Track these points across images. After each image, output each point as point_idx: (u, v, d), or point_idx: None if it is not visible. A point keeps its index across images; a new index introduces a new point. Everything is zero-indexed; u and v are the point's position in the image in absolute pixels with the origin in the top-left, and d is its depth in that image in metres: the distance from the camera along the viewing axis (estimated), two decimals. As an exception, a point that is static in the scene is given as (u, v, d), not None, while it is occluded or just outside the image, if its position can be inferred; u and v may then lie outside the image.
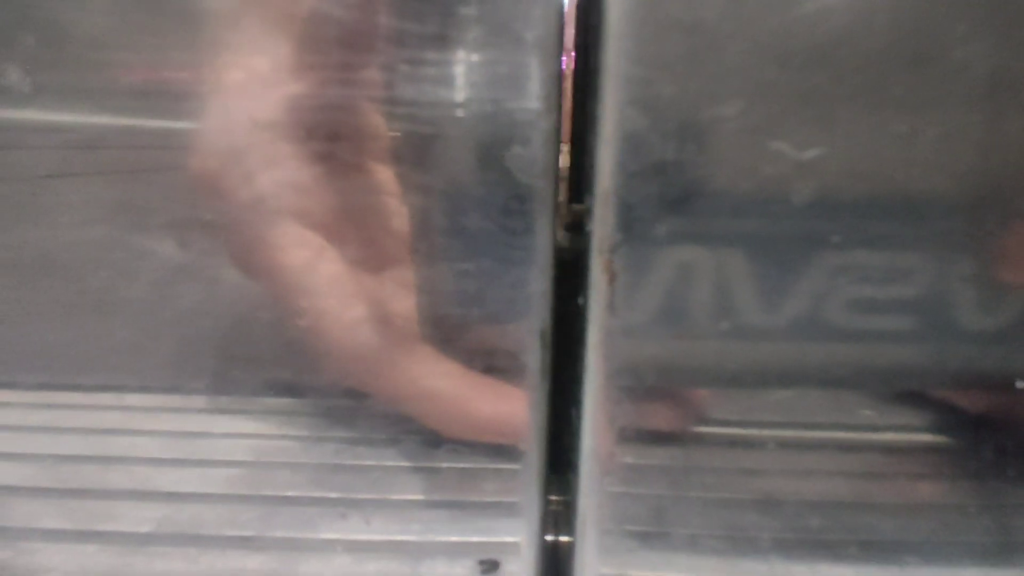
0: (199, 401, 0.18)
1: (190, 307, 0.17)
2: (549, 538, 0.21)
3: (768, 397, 0.17)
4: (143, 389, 0.18)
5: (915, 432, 0.17)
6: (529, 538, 0.18)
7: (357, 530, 0.19)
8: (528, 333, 0.16)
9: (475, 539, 0.18)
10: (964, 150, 0.15)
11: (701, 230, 0.15)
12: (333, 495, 0.19)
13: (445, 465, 0.18)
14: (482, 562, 0.18)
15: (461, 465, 0.18)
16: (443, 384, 0.17)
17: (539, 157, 0.15)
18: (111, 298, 0.17)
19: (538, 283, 0.16)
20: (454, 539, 0.18)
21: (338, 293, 0.17)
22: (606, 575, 0.18)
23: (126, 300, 0.17)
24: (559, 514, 0.21)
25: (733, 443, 0.17)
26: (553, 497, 0.23)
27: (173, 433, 0.19)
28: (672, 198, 0.15)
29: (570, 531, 0.18)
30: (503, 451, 0.17)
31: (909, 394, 0.17)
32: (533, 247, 0.16)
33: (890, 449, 0.17)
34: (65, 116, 0.16)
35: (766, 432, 0.17)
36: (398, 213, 0.16)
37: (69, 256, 0.17)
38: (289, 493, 0.19)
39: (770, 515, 0.17)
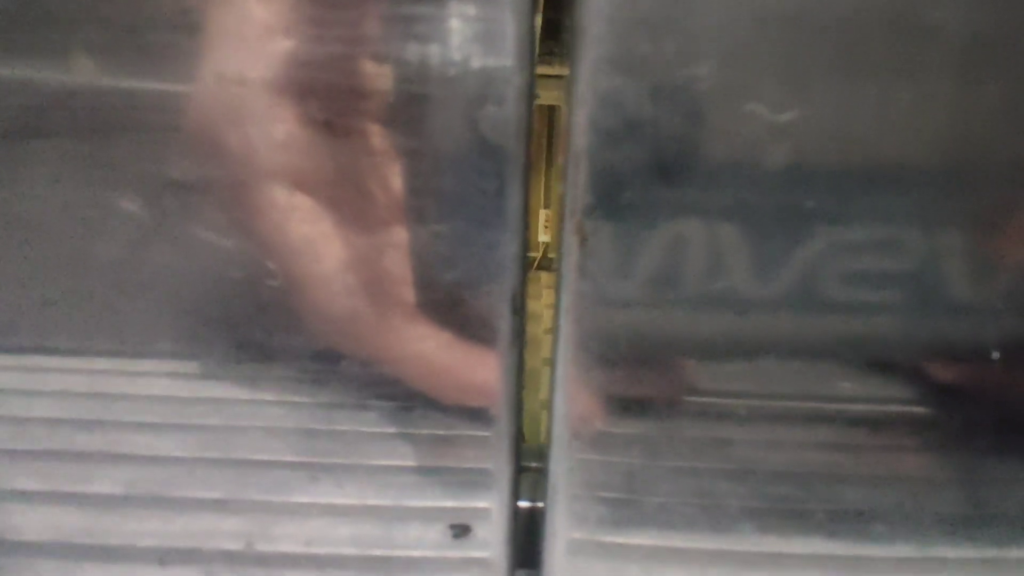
0: (173, 366, 0.18)
1: (163, 270, 0.17)
2: (526, 504, 0.21)
3: (743, 366, 0.17)
4: (117, 353, 0.18)
5: (888, 404, 0.17)
6: (500, 504, 0.18)
7: (330, 494, 0.19)
8: (499, 297, 0.16)
9: (447, 504, 0.18)
10: (941, 118, 0.15)
11: (676, 192, 0.15)
12: (306, 459, 0.18)
13: (418, 431, 0.18)
14: (453, 527, 0.18)
15: (433, 431, 0.18)
16: (428, 348, 0.17)
17: (512, 117, 0.15)
18: (85, 261, 0.17)
19: (510, 246, 0.16)
20: (426, 504, 0.18)
21: (325, 254, 0.16)
22: (577, 540, 0.18)
23: (100, 263, 0.17)
24: (538, 481, 0.21)
25: (706, 412, 0.17)
26: (533, 464, 0.23)
27: (147, 397, 0.18)
28: (646, 159, 0.15)
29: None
30: (475, 417, 0.17)
31: (883, 365, 0.17)
32: (505, 209, 0.16)
33: (863, 420, 0.17)
34: (38, 73, 0.16)
35: (740, 401, 0.17)
36: (377, 174, 0.16)
37: (44, 218, 0.17)
38: (263, 457, 0.19)
39: (742, 484, 0.17)
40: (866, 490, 0.18)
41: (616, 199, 0.15)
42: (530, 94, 0.15)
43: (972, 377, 0.17)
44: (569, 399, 0.16)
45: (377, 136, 0.16)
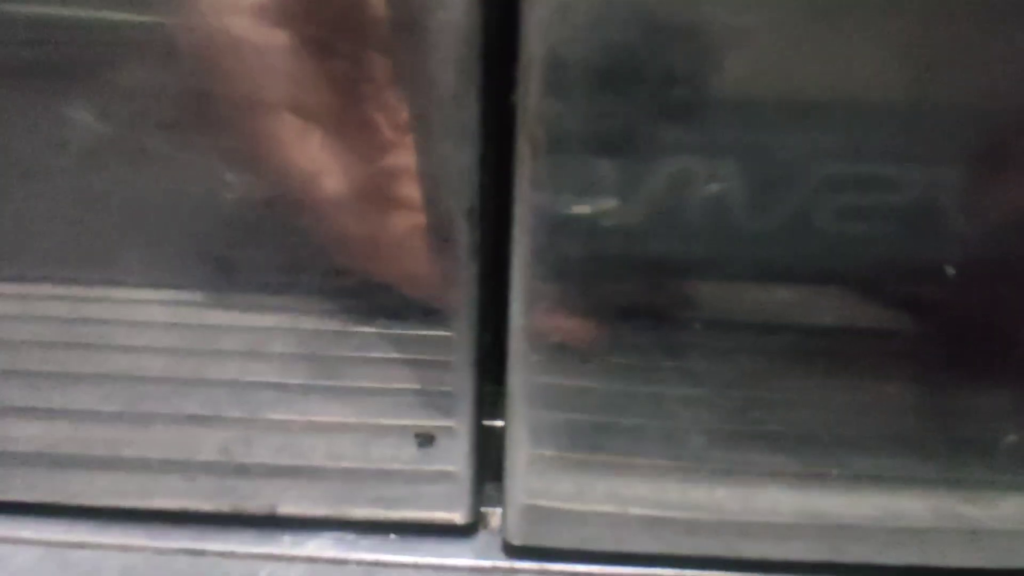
0: (153, 293, 0.19)
1: (141, 198, 0.17)
2: (499, 423, 0.22)
3: (699, 283, 0.17)
4: (102, 281, 0.18)
5: (847, 325, 0.17)
6: (463, 422, 0.18)
7: (304, 411, 0.19)
8: (457, 210, 0.16)
9: (414, 421, 0.19)
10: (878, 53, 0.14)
11: (633, 103, 0.15)
12: (287, 381, 0.19)
13: (386, 355, 0.18)
14: (418, 435, 0.19)
15: (400, 356, 0.18)
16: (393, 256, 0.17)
17: (463, 23, 0.15)
18: (68, 192, 0.17)
19: (465, 158, 0.16)
20: (394, 422, 0.19)
21: (295, 166, 0.16)
22: (538, 455, 0.18)
23: (83, 193, 0.17)
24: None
25: (662, 328, 0.17)
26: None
27: (129, 323, 0.19)
28: (604, 65, 0.15)
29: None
30: (437, 330, 0.18)
31: (839, 285, 0.17)
32: (459, 120, 0.15)
33: (823, 340, 0.17)
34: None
35: (697, 318, 0.17)
36: (334, 86, 0.16)
37: (30, 150, 0.17)
38: (241, 378, 0.19)
39: (703, 403, 0.18)
40: (826, 410, 0.18)
41: (571, 108, 0.15)
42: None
43: (940, 301, 0.17)
44: (525, 312, 0.17)
45: (330, 47, 0.15)
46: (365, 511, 0.20)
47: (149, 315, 0.19)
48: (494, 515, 0.20)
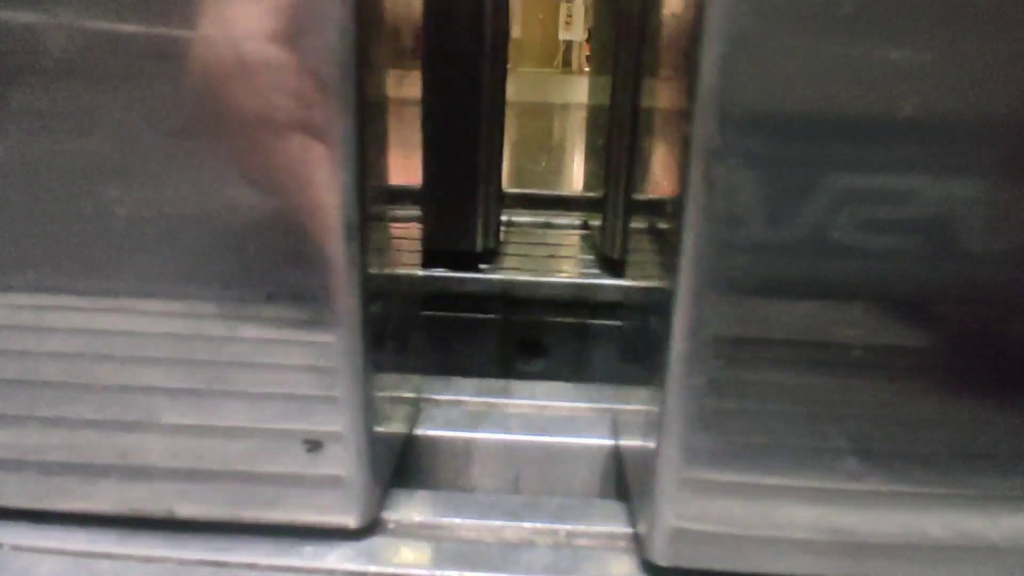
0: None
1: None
2: (400, 430, 0.22)
3: (858, 312, 0.16)
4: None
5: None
6: (352, 428, 0.19)
7: (201, 417, 0.19)
8: (334, 227, 0.17)
9: (305, 427, 0.19)
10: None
11: (807, 138, 0.15)
12: (175, 385, 0.19)
13: (279, 362, 0.19)
14: (306, 442, 0.19)
15: (291, 362, 0.18)
16: None
17: (335, 46, 0.15)
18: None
19: (341, 177, 0.16)
20: (284, 427, 0.19)
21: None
22: (689, 478, 0.18)
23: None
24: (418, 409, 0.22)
25: (821, 354, 0.17)
26: (410, 395, 0.23)
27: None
28: (778, 104, 0.15)
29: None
30: (323, 347, 0.18)
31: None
32: (335, 141, 0.16)
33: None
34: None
35: (858, 344, 0.17)
36: (227, 104, 0.16)
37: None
38: (130, 383, 0.19)
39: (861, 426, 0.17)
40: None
41: (743, 143, 0.15)
42: (356, 23, 0.15)
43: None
44: (688, 337, 0.16)
45: (223, 72, 0.16)
46: (255, 512, 0.20)
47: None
48: (391, 520, 0.21)
